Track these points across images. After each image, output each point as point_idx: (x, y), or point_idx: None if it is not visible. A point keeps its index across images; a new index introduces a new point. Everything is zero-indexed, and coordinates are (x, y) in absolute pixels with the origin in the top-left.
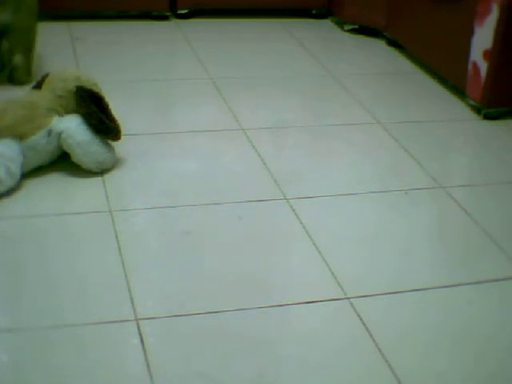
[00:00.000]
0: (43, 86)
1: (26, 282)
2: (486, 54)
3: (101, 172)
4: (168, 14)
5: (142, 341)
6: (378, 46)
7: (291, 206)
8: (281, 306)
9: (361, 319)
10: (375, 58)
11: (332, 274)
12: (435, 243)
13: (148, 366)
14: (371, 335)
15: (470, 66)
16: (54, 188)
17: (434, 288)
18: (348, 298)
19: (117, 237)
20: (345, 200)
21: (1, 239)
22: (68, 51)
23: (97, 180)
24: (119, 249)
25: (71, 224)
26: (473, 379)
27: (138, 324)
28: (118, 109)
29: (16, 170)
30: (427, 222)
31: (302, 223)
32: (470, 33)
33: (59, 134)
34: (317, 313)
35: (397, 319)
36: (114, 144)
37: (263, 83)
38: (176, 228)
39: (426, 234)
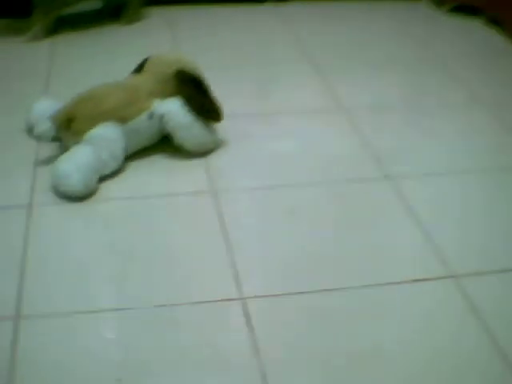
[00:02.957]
0: (144, 70)
1: (131, 262)
2: None
3: (203, 154)
4: None
5: (247, 320)
6: (477, 25)
7: (393, 185)
8: (385, 284)
9: (468, 299)
10: (474, 37)
11: (437, 252)
12: None
13: (255, 344)
14: (478, 314)
15: None
16: (157, 170)
17: None
18: (454, 277)
19: (220, 217)
20: (448, 178)
21: (105, 220)
22: (166, 35)
23: (199, 162)
24: (223, 229)
25: (175, 205)
26: None
27: (243, 303)
28: (218, 91)
29: (119, 152)
30: None
31: (405, 201)
32: None
33: (161, 117)
34: (421, 291)
35: (508, 299)
36: (216, 126)
37: (363, 64)
38: (278, 208)
39: None
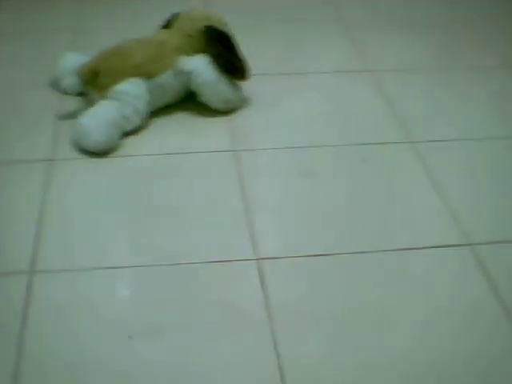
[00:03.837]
0: (172, 26)
1: (149, 219)
2: None
3: (228, 112)
4: None
5: (262, 280)
6: None
7: (417, 150)
8: (400, 250)
9: (483, 267)
10: None
11: (456, 220)
12: None
13: (268, 305)
14: (493, 284)
15: None
16: (181, 127)
17: None
18: (471, 245)
19: (241, 176)
20: (472, 144)
21: (126, 176)
22: None
23: (223, 120)
24: (243, 188)
25: (196, 162)
26: None
27: (258, 264)
28: (246, 49)
29: (143, 108)
30: None
31: (427, 167)
32: None
33: (187, 74)
34: (437, 258)
35: None
36: (242, 84)
37: (392, 24)
38: (300, 169)
39: None
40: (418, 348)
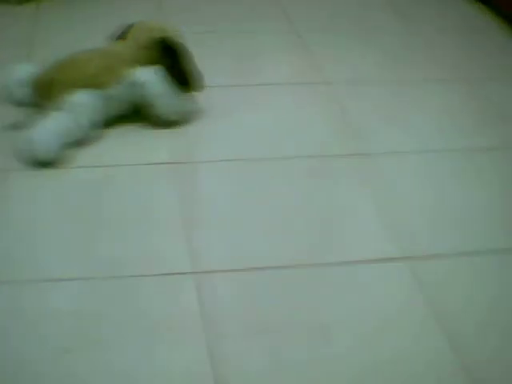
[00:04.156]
0: (127, 37)
1: (94, 231)
2: None
3: (181, 123)
4: None
5: (199, 294)
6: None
7: (371, 162)
8: (342, 263)
9: (418, 280)
10: (458, 12)
11: (397, 232)
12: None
13: (204, 318)
14: (428, 297)
15: None
16: (134, 138)
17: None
18: (408, 258)
19: (195, 188)
20: (426, 157)
21: (78, 188)
22: (151, 4)
23: (177, 131)
24: (187, 202)
25: (149, 174)
26: None
27: (196, 277)
28: (200, 60)
29: (95, 119)
30: (504, 182)
31: (380, 179)
32: None
33: (141, 85)
34: (374, 271)
35: (459, 284)
36: (196, 96)
37: (348, 36)
38: (251, 181)
39: (504, 195)
40: (358, 360)
